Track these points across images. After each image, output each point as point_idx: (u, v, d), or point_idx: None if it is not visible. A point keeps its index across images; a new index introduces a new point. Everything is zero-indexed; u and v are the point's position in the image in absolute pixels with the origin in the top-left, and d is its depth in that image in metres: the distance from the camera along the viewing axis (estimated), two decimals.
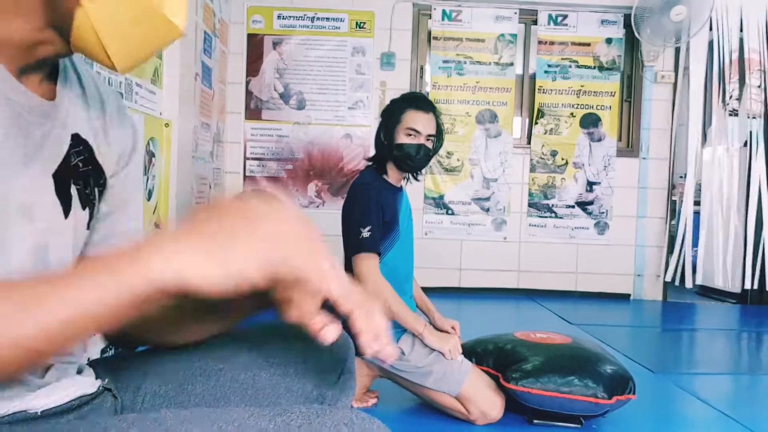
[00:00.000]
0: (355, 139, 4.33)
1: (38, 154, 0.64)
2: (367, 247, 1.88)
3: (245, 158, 4.32)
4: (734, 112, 4.36)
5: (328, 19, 4.28)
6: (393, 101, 2.10)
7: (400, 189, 2.14)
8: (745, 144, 4.33)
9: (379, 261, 1.92)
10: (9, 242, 0.62)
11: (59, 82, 0.69)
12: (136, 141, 0.81)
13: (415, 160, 2.03)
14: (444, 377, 1.90)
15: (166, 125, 2.83)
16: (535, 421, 1.91)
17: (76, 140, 0.70)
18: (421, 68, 4.41)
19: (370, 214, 1.91)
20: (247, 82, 4.30)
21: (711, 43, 4.33)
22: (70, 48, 0.62)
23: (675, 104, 4.40)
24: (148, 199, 2.68)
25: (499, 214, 4.37)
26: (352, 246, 1.91)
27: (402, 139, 2.01)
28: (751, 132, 4.31)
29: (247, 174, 4.33)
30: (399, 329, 1.96)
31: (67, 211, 0.69)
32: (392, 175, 2.09)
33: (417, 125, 2.01)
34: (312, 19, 4.28)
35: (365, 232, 1.88)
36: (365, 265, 1.88)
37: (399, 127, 2.02)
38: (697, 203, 4.41)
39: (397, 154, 2.03)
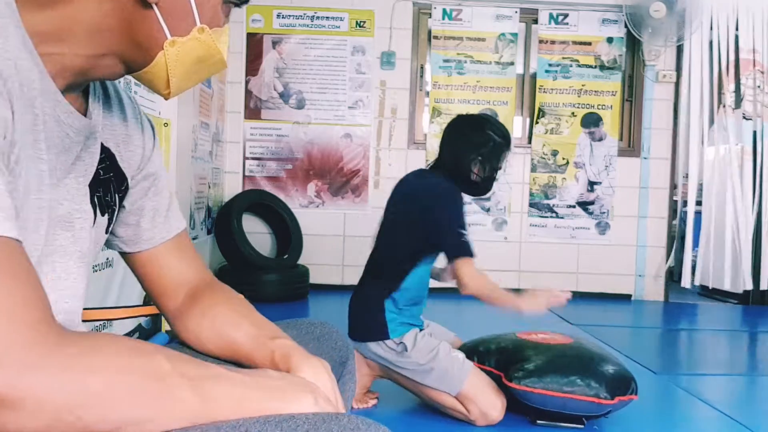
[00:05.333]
0: (355, 138, 4.32)
1: (76, 167, 0.69)
2: (470, 251, 1.90)
3: (244, 158, 4.31)
4: (735, 112, 4.34)
5: (327, 18, 4.27)
6: (497, 143, 2.01)
7: None
8: (746, 144, 4.32)
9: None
10: (54, 251, 0.67)
11: (90, 95, 0.72)
12: (156, 139, 0.85)
13: (485, 192, 2.08)
14: (445, 376, 1.90)
15: (165, 125, 2.82)
16: (539, 421, 1.90)
17: (102, 149, 0.74)
18: (422, 67, 4.40)
19: (462, 214, 1.94)
20: (247, 82, 4.29)
21: (711, 43, 4.31)
22: (126, 73, 0.70)
23: (677, 104, 4.38)
24: None
25: (499, 214, 4.36)
26: (452, 249, 1.91)
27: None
28: (754, 132, 4.30)
29: (246, 174, 4.32)
30: (403, 326, 1.96)
31: (95, 218, 0.74)
32: None
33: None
34: (312, 18, 4.27)
35: (466, 236, 1.91)
36: (469, 268, 1.89)
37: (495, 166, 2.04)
38: (698, 203, 4.39)
39: (482, 185, 2.04)
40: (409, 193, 2.05)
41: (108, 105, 0.76)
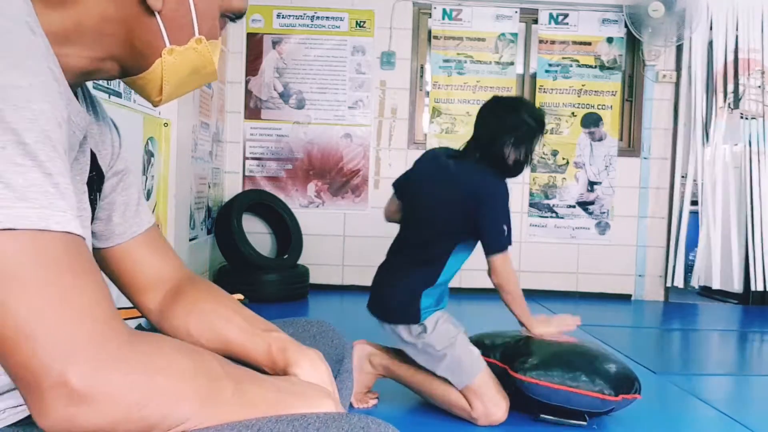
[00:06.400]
0: (355, 138, 4.32)
1: (75, 166, 0.70)
2: (506, 246, 1.95)
3: (244, 158, 4.31)
4: (735, 112, 4.34)
5: (327, 18, 4.27)
6: (531, 127, 2.01)
7: None
8: (746, 144, 4.32)
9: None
10: None
11: (78, 96, 0.73)
12: (121, 137, 0.86)
13: (516, 176, 2.10)
14: (457, 366, 1.90)
15: (165, 125, 2.82)
16: (542, 416, 1.90)
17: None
18: (422, 67, 4.39)
19: (509, 214, 1.98)
20: (247, 82, 4.28)
21: (711, 43, 4.31)
22: (120, 77, 0.71)
23: (677, 104, 4.38)
24: (147, 198, 2.67)
25: None
26: (493, 244, 1.95)
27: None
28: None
29: (246, 174, 4.32)
30: (429, 308, 1.97)
31: (92, 217, 0.75)
32: None
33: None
34: (312, 18, 4.27)
35: (507, 232, 1.95)
36: (504, 262, 1.95)
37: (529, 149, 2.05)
38: (698, 203, 4.39)
39: (513, 168, 2.05)
40: (451, 182, 2.01)
41: (86, 105, 0.77)
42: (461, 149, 2.11)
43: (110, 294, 0.55)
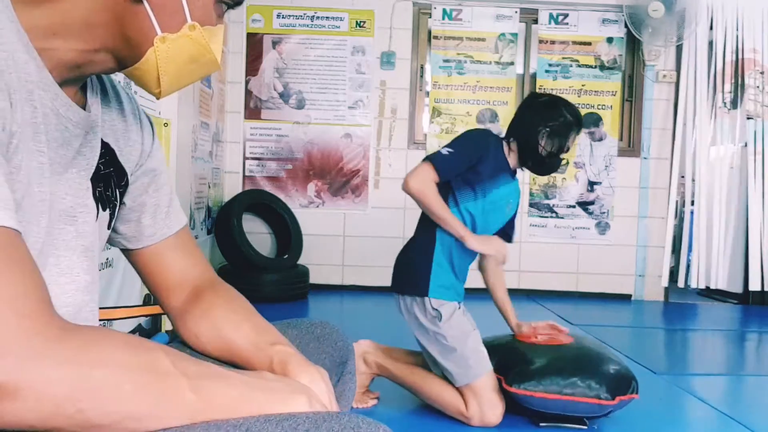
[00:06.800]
0: (355, 138, 4.32)
1: (77, 161, 0.69)
2: (436, 161, 1.91)
3: (244, 158, 4.31)
4: (735, 112, 4.34)
5: (327, 18, 4.27)
6: (568, 120, 2.01)
7: (514, 174, 2.14)
8: (746, 144, 4.32)
9: (437, 180, 1.92)
10: (57, 245, 0.67)
11: (88, 90, 0.73)
12: (154, 136, 0.85)
13: (551, 171, 2.11)
14: (463, 362, 1.89)
15: (165, 125, 2.82)
16: (541, 424, 1.90)
17: (101, 144, 0.74)
18: (422, 67, 4.39)
19: (465, 150, 1.96)
20: (247, 82, 4.29)
21: (711, 43, 4.31)
22: (118, 69, 0.70)
23: (677, 104, 4.38)
24: None
25: None
26: (429, 156, 1.95)
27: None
28: (755, 132, 4.30)
29: (246, 174, 4.32)
30: (444, 290, 1.97)
31: (97, 213, 0.74)
32: (512, 160, 2.10)
33: (572, 146, 2.08)
34: (312, 18, 4.27)
35: (444, 150, 1.94)
36: (424, 171, 1.91)
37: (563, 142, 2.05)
38: (698, 203, 4.39)
39: (547, 161, 2.05)
40: None
41: (106, 100, 0.76)
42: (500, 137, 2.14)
43: (44, 287, 0.53)
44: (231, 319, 0.83)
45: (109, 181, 0.76)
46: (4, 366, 0.48)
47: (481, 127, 4.31)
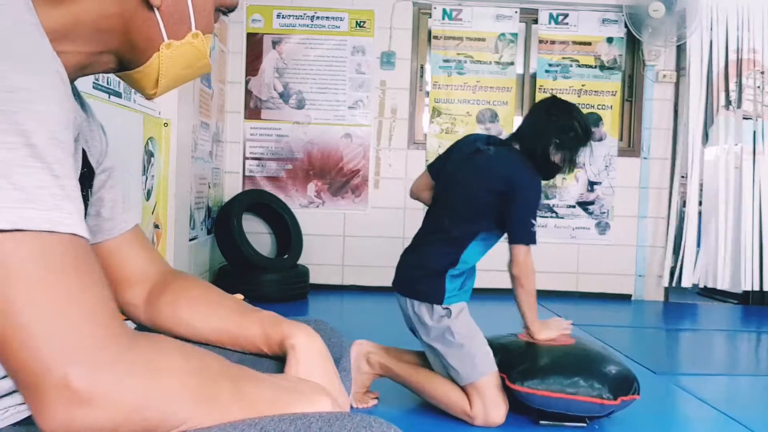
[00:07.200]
0: (355, 138, 4.32)
1: (75, 165, 0.69)
2: (532, 240, 1.96)
3: (244, 158, 4.31)
4: (735, 112, 4.34)
5: (327, 18, 4.27)
6: (578, 134, 2.03)
7: None
8: (747, 143, 4.32)
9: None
10: None
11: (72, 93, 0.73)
12: (106, 134, 0.86)
13: (553, 177, 2.14)
14: (470, 360, 1.90)
15: (165, 125, 2.82)
16: (542, 422, 1.90)
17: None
18: (422, 67, 4.39)
19: (536, 212, 2.00)
20: (247, 82, 4.28)
21: (711, 43, 4.31)
22: (118, 70, 0.72)
23: (677, 104, 4.38)
24: (147, 198, 2.67)
25: None
26: (519, 234, 1.96)
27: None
28: (754, 132, 4.30)
29: (246, 174, 4.32)
30: (453, 293, 1.98)
31: (85, 214, 0.75)
32: None
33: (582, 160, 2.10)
34: (312, 18, 4.26)
35: (535, 226, 1.96)
36: (526, 255, 1.95)
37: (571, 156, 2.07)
38: (698, 203, 4.39)
39: (552, 171, 2.08)
40: (489, 168, 2.03)
41: (79, 101, 0.78)
42: (504, 138, 2.15)
43: (112, 295, 0.55)
44: (210, 297, 0.84)
45: (85, 182, 0.77)
46: (83, 373, 0.48)
47: (481, 127, 4.32)
